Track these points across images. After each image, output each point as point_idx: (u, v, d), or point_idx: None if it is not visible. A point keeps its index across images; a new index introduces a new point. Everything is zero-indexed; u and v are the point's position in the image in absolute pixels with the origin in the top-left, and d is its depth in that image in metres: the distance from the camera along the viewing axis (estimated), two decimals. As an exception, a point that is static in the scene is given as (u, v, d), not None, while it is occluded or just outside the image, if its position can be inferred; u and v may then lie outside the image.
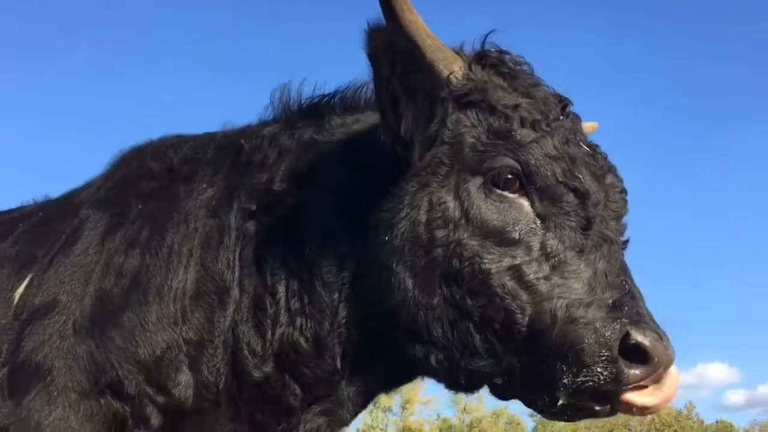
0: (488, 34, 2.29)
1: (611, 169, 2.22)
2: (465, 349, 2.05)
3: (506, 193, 2.07)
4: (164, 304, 2.30)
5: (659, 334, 1.90)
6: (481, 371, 2.06)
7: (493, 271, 2.00)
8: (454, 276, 2.04)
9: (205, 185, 2.48)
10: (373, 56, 2.11)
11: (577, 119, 2.27)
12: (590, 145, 2.22)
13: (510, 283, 1.98)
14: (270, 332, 2.27)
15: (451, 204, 2.09)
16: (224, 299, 2.31)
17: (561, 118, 2.18)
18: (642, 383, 1.88)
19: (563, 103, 2.24)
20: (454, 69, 2.17)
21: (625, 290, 1.97)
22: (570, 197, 2.06)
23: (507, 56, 2.28)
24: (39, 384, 2.26)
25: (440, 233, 2.06)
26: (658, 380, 1.90)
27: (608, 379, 1.86)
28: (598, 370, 1.86)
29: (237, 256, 2.34)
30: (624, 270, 2.04)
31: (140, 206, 2.50)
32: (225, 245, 2.36)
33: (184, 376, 2.28)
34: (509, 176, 2.07)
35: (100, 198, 2.63)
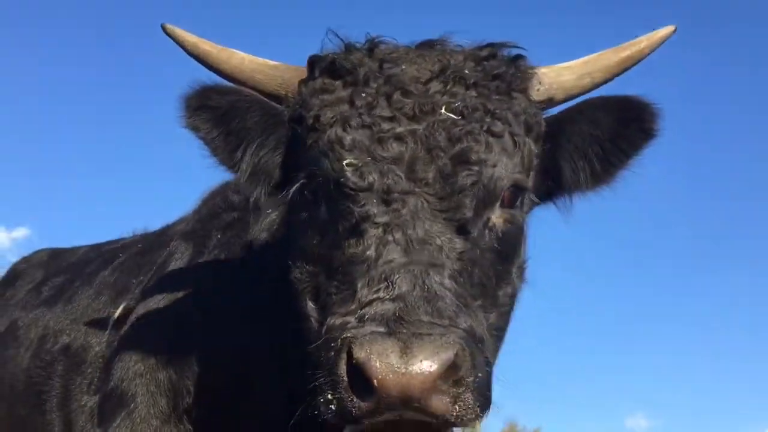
0: (328, 32, 2.13)
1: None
2: None
3: (306, 208, 1.96)
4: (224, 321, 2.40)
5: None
6: None
7: (298, 290, 1.94)
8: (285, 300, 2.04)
9: (270, 210, 2.59)
10: (198, 120, 2.07)
11: (399, 74, 1.94)
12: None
13: (308, 303, 1.89)
14: None
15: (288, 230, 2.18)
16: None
17: (371, 91, 1.90)
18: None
19: (401, 64, 1.97)
20: (293, 87, 2.08)
21: (388, 292, 1.61)
22: (343, 194, 1.82)
23: (349, 52, 2.06)
24: (123, 412, 2.36)
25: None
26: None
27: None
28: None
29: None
30: (409, 263, 1.66)
31: (219, 236, 2.65)
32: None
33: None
34: (306, 188, 1.94)
35: (187, 230, 2.80)
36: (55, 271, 3.57)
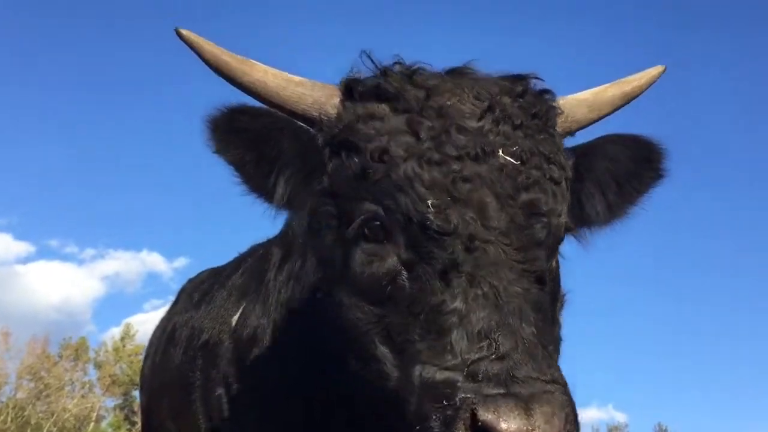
0: (363, 54, 2.06)
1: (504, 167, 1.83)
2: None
3: (373, 244, 1.85)
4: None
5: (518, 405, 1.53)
6: None
7: (362, 331, 1.83)
8: (339, 334, 1.94)
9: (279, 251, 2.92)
10: (229, 145, 1.96)
11: (458, 109, 1.90)
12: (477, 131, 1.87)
13: (379, 347, 1.80)
14: None
15: (337, 260, 1.95)
16: None
17: (431, 125, 1.85)
18: None
19: (445, 95, 1.93)
20: (327, 109, 1.97)
21: (492, 350, 1.60)
22: (425, 236, 1.77)
23: (387, 76, 1.99)
24: (246, 401, 2.68)
25: (326, 289, 2.01)
26: None
27: None
28: None
29: None
30: (504, 318, 1.65)
31: (300, 240, 2.69)
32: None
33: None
34: (375, 223, 1.85)
35: (279, 237, 2.99)
36: (204, 281, 3.95)
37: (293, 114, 1.98)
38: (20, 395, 39.79)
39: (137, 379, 46.41)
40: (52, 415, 39.47)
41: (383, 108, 1.89)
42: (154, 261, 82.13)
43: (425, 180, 1.76)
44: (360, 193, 1.85)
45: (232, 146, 1.95)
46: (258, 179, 1.99)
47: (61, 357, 42.78)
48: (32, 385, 40.38)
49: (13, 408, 37.95)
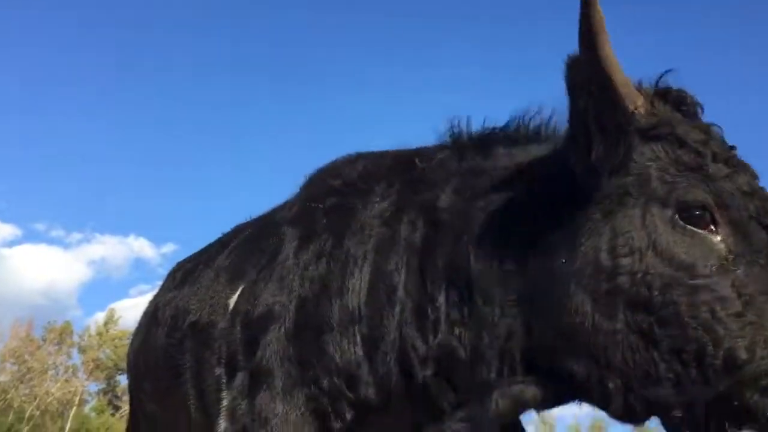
0: (665, 72, 2.37)
1: None
2: (646, 378, 2.07)
3: (696, 228, 2.09)
4: (344, 303, 2.52)
5: None
6: (660, 401, 2.08)
7: (685, 303, 2.02)
8: (641, 304, 2.07)
9: (378, 198, 2.70)
10: (573, 88, 2.21)
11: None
12: None
13: (704, 316, 2.00)
14: (432, 336, 2.40)
15: (636, 234, 2.14)
16: (392, 299, 2.48)
17: (739, 159, 2.23)
18: None
19: (733, 147, 2.31)
20: (637, 104, 2.23)
21: None
22: (763, 235, 2.09)
23: (686, 95, 2.34)
24: (264, 385, 2.58)
25: (625, 261, 2.12)
26: None
27: None
28: None
29: (404, 262, 2.51)
30: None
31: (324, 221, 2.75)
32: (395, 251, 2.54)
33: (364, 374, 2.47)
34: (700, 210, 2.10)
35: (293, 216, 2.93)
36: (188, 260, 3.88)
37: (620, 100, 2.22)
38: (3, 378, 39.63)
39: (122, 364, 46.08)
40: (35, 398, 39.41)
41: (685, 119, 2.28)
42: (142, 246, 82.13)
43: (765, 195, 2.14)
44: (687, 180, 2.13)
45: (584, 87, 2.21)
46: (581, 131, 2.24)
47: (45, 341, 42.64)
48: (15, 368, 40.23)
49: (-4, 391, 37.81)
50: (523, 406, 2.41)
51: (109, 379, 46.27)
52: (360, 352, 2.49)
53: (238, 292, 2.86)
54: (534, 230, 2.32)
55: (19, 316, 46.46)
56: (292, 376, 2.58)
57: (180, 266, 3.98)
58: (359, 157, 3.04)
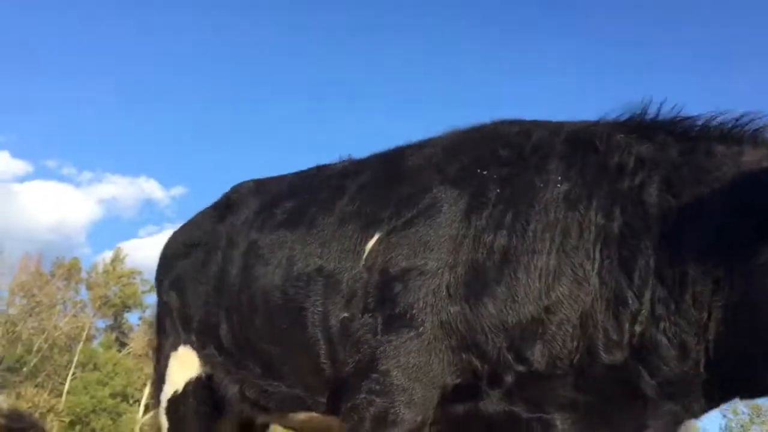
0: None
1: None
2: None
3: None
4: (531, 281, 2.52)
5: None
6: None
7: None
8: None
9: (560, 178, 2.66)
10: None
11: None
12: None
13: None
14: (628, 324, 2.42)
15: None
16: (582, 285, 2.49)
17: None
18: None
19: None
20: None
21: None
22: None
23: None
24: (411, 332, 2.61)
25: None
26: None
27: None
28: None
29: (598, 249, 2.50)
30: None
31: (498, 190, 2.72)
32: (585, 238, 2.52)
33: (540, 347, 2.49)
34: None
35: (455, 177, 2.88)
36: (275, 197, 3.69)
37: None
38: (12, 311, 40.11)
39: (129, 301, 46.73)
40: (44, 332, 39.95)
41: None
42: (152, 188, 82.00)
43: None
44: None
45: None
46: None
47: (53, 276, 43.00)
48: (24, 301, 40.68)
49: (5, 323, 38.34)
50: (730, 397, 2.52)
51: (116, 316, 46.89)
52: (541, 329, 2.50)
53: (373, 240, 2.83)
54: (757, 242, 2.28)
55: (28, 250, 46.94)
56: (448, 332, 2.59)
57: (273, 202, 3.65)
58: (525, 126, 2.97)
